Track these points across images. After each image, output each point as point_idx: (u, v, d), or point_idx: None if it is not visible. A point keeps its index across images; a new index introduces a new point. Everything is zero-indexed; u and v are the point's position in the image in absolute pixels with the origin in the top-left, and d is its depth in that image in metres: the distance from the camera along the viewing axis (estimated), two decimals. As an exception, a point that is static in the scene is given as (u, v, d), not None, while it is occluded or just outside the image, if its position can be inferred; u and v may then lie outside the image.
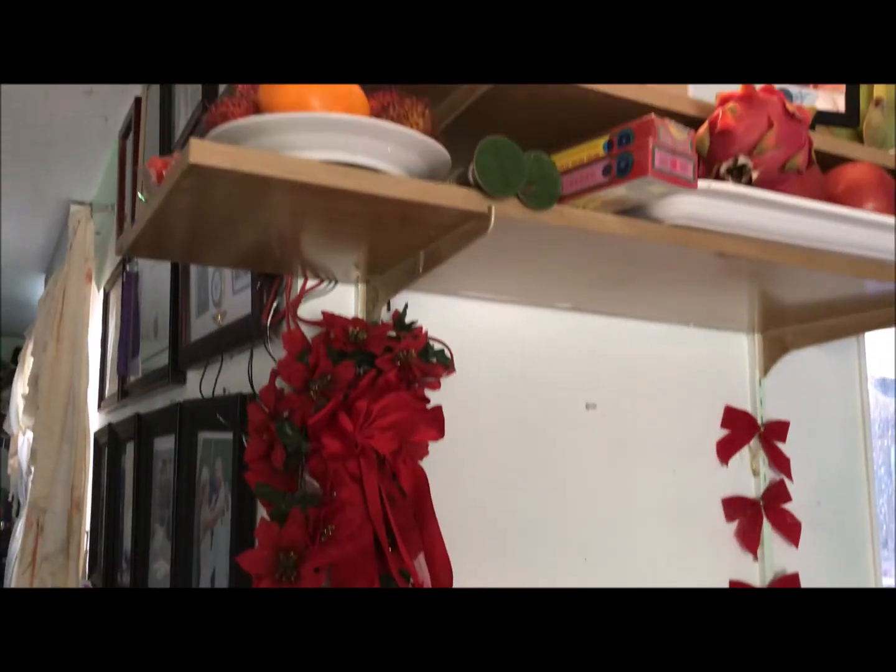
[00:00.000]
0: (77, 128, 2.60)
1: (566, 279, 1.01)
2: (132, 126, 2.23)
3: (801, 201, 0.80)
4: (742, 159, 0.76)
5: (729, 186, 0.76)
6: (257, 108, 0.67)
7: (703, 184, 0.75)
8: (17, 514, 3.98)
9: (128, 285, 1.98)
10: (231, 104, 0.67)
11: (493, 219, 0.73)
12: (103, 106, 2.43)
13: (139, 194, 0.72)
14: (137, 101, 2.20)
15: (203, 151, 0.61)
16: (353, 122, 0.63)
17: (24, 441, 3.79)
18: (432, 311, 1.05)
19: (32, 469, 2.63)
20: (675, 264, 0.91)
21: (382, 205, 0.71)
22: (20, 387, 3.71)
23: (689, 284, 1.02)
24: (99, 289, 2.74)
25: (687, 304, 1.15)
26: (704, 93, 0.86)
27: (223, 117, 0.66)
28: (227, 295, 1.21)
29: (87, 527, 2.52)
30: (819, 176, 0.89)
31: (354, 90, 0.67)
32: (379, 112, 0.69)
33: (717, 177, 0.78)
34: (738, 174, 0.77)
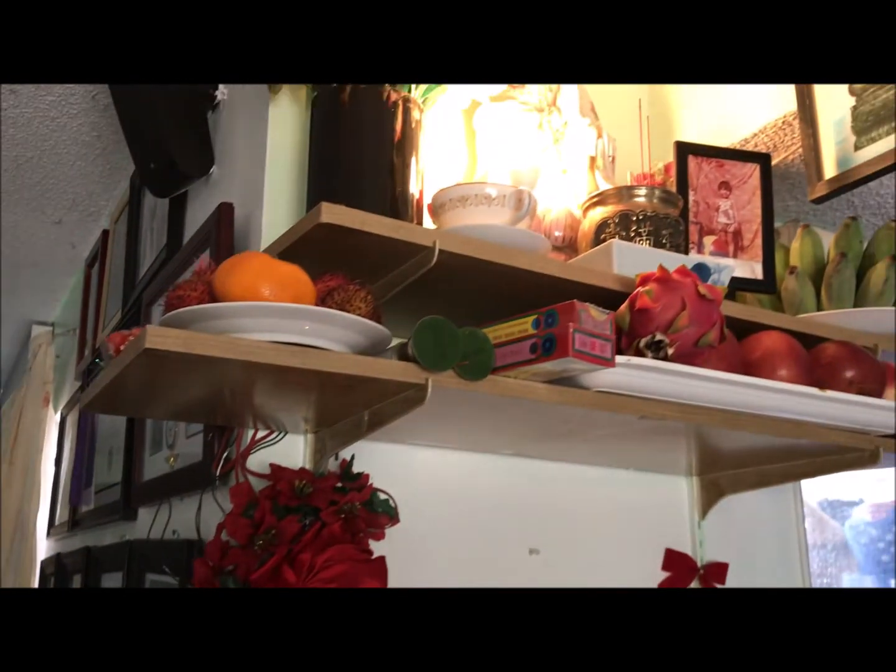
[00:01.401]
0: (45, 253, 2.66)
1: (506, 433, 1.07)
2: (99, 256, 2.30)
3: (712, 373, 0.88)
4: (659, 336, 0.83)
5: (645, 361, 0.83)
6: (212, 292, 0.73)
7: (622, 359, 0.82)
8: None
9: (85, 414, 1.99)
10: (188, 288, 0.73)
11: (429, 390, 0.79)
12: (71, 235, 2.50)
13: (97, 360, 0.77)
14: (105, 232, 2.28)
15: (157, 337, 0.66)
16: (297, 310, 0.70)
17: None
18: (379, 458, 1.09)
19: (-26, 597, 2.55)
20: (604, 424, 0.97)
21: (327, 377, 0.76)
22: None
23: (622, 438, 1.08)
24: (56, 411, 2.73)
25: (624, 452, 1.21)
26: (628, 270, 0.94)
27: (180, 300, 0.71)
28: (180, 438, 1.25)
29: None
30: (735, 344, 0.97)
31: (302, 278, 0.73)
32: (324, 296, 0.75)
33: (638, 350, 0.85)
34: (656, 349, 0.84)
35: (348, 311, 0.73)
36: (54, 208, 2.35)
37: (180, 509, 1.25)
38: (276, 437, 1.04)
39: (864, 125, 1.16)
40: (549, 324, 0.79)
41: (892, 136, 1.12)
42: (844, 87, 1.22)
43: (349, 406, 0.91)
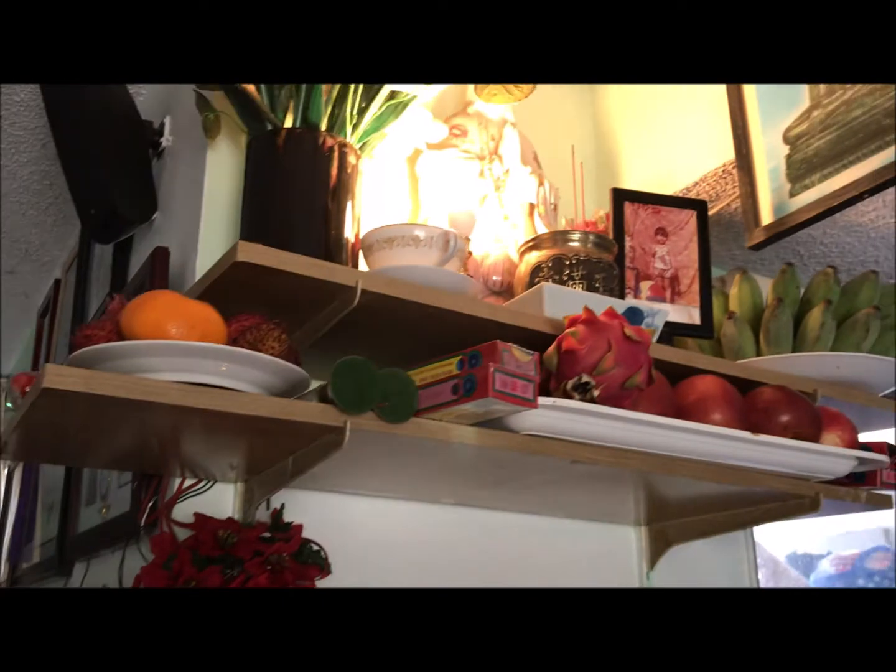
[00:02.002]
0: (-2, 304, 2.62)
1: (441, 480, 1.04)
2: (50, 306, 2.27)
3: (640, 416, 0.86)
4: (585, 378, 0.82)
5: (571, 403, 0.82)
6: (120, 331, 0.71)
7: (546, 401, 0.81)
8: None
9: (28, 468, 1.94)
10: (96, 327, 0.71)
11: (347, 432, 0.77)
12: (24, 284, 2.47)
13: (7, 403, 0.75)
14: (57, 282, 2.25)
15: (56, 376, 0.64)
16: (203, 349, 0.68)
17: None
18: (313, 507, 1.06)
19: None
20: (538, 469, 0.95)
21: (240, 420, 0.74)
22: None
23: (561, 485, 1.05)
24: (4, 466, 2.66)
25: (568, 501, 1.18)
26: (559, 313, 0.93)
27: (87, 339, 0.69)
28: (112, 488, 1.21)
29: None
30: (668, 388, 0.96)
31: (212, 317, 0.72)
32: (237, 336, 0.73)
33: (565, 392, 0.84)
34: (583, 390, 0.83)
35: (261, 351, 0.72)
36: (7, 258, 2.32)
37: (111, 562, 1.20)
38: (205, 485, 1.01)
39: (798, 172, 1.18)
40: (473, 364, 0.78)
41: (825, 183, 1.14)
42: (780, 136, 1.24)
43: (273, 453, 0.89)
